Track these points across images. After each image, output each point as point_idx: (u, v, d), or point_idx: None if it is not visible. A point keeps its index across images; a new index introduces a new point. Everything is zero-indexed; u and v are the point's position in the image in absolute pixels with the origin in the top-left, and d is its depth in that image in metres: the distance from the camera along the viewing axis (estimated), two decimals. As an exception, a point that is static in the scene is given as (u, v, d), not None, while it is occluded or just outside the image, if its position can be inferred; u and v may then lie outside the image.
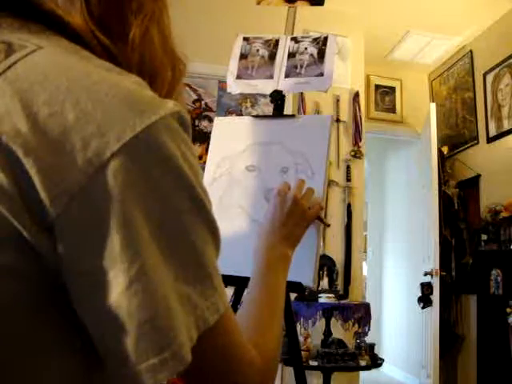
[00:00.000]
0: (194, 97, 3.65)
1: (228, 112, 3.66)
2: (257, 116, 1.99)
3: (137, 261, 0.37)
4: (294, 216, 0.92)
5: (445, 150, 4.47)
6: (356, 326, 3.09)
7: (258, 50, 1.48)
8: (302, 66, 1.42)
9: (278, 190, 0.96)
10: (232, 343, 0.47)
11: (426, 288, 4.00)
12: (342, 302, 3.20)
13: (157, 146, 0.39)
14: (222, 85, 3.62)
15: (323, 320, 3.11)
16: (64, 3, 0.44)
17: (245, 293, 0.84)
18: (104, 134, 0.37)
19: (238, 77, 1.47)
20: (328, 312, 3.07)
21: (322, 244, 3.42)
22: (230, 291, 1.28)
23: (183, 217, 0.41)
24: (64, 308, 0.39)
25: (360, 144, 3.83)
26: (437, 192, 4.00)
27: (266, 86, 1.42)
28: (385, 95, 4.82)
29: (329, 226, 1.22)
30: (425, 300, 4.02)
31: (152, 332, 0.38)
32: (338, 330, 3.17)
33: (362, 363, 2.93)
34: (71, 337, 0.40)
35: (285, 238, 0.87)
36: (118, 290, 0.37)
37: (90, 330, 0.39)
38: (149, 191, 0.39)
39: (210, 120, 3.60)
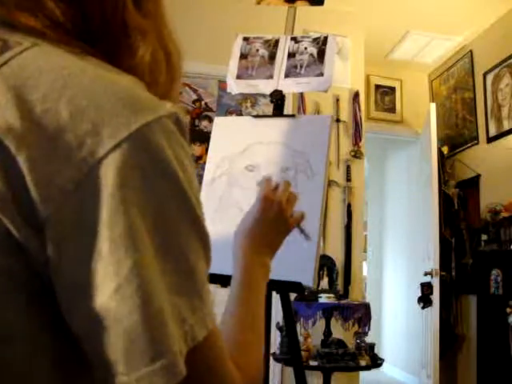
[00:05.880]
0: (194, 97, 3.65)
1: (228, 112, 3.65)
2: (257, 116, 1.98)
3: (126, 263, 0.35)
4: (278, 224, 0.84)
5: (445, 149, 4.47)
6: (356, 326, 3.10)
7: (257, 50, 1.48)
8: (301, 66, 1.42)
9: (265, 195, 0.85)
10: (219, 362, 0.44)
11: (426, 288, 3.99)
12: (342, 302, 3.20)
13: (151, 146, 0.38)
14: (221, 85, 3.61)
15: (323, 320, 3.10)
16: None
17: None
18: (98, 132, 0.36)
19: (238, 77, 1.46)
20: (328, 312, 3.07)
21: (321, 244, 3.42)
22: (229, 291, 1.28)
23: (173, 223, 0.39)
24: (53, 311, 0.37)
25: (360, 144, 3.83)
26: (437, 192, 4.00)
27: (266, 86, 1.42)
28: (385, 95, 4.82)
29: (310, 239, 1.06)
30: (425, 300, 4.01)
31: (143, 339, 0.35)
32: (338, 330, 3.17)
33: (362, 363, 2.93)
34: (59, 342, 0.38)
35: (266, 245, 0.80)
36: (106, 294, 0.35)
37: (78, 336, 0.37)
38: (141, 192, 0.37)
39: (210, 120, 3.60)
